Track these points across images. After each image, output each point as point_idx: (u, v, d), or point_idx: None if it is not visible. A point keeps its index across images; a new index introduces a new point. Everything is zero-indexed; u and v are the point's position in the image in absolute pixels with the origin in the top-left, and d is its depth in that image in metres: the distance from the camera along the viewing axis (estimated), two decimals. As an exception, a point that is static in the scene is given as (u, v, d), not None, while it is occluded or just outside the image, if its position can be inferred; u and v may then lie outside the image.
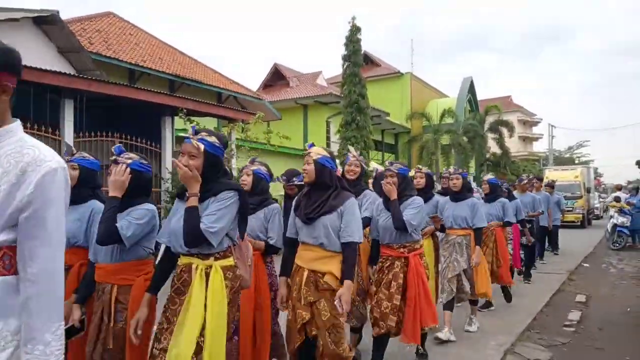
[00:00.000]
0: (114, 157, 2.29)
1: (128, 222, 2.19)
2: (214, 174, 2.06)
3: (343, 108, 18.09)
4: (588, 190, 17.79)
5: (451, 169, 4.53)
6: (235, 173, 10.19)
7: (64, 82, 7.74)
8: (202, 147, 2.01)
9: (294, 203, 2.68)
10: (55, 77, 7.63)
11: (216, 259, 2.02)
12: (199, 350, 1.89)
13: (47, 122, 7.67)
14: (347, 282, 2.46)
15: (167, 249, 2.15)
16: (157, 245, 2.40)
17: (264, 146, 11.26)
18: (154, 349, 1.99)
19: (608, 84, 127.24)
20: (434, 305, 3.23)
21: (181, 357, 1.86)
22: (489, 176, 5.64)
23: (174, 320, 1.95)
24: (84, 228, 2.41)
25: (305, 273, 2.49)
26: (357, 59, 17.81)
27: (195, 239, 1.94)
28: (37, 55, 8.75)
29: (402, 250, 3.17)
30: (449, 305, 4.10)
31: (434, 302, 4.07)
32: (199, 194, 1.99)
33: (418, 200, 3.19)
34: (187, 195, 2.00)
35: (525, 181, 7.47)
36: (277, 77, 25.24)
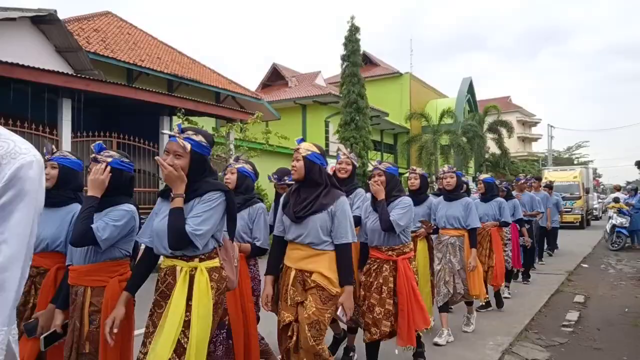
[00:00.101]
0: (93, 155, 2.20)
1: (105, 223, 2.09)
2: (200, 174, 1.99)
3: (342, 108, 18.08)
4: (587, 191, 17.80)
5: (445, 168, 4.37)
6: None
7: (62, 81, 7.73)
8: (188, 146, 1.94)
9: (281, 200, 2.60)
10: (53, 77, 7.62)
11: (201, 260, 1.96)
12: (182, 351, 1.85)
13: (45, 122, 7.66)
14: (347, 289, 2.41)
15: (148, 249, 2.07)
16: (137, 244, 2.32)
17: (262, 146, 11.26)
18: (139, 353, 1.94)
19: (607, 84, 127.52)
20: (425, 308, 3.15)
21: (157, 359, 1.82)
22: (485, 175, 5.55)
23: (159, 324, 1.90)
24: (64, 232, 2.29)
25: (293, 273, 2.43)
26: (356, 59, 17.80)
27: (180, 241, 1.87)
28: (35, 54, 8.73)
29: (390, 253, 3.06)
30: (444, 308, 4.06)
31: (431, 304, 4.05)
32: (184, 195, 1.92)
33: (406, 200, 3.10)
34: (172, 195, 1.93)
35: (523, 181, 7.39)
36: (275, 77, 25.23)
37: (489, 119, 25.75)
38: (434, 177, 17.92)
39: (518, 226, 6.05)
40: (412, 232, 4.09)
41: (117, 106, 9.23)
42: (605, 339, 4.38)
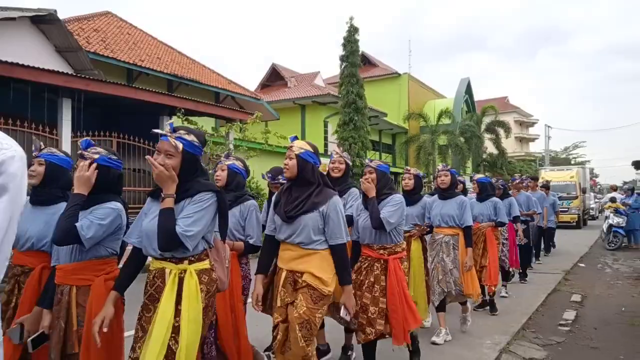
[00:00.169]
0: (79, 151, 2.15)
1: (89, 221, 2.03)
2: (191, 174, 1.95)
3: (341, 108, 18.11)
4: (584, 191, 17.86)
5: (439, 166, 4.34)
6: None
7: (62, 81, 7.74)
8: (180, 145, 1.90)
9: (273, 199, 2.56)
10: (53, 77, 7.63)
11: (190, 262, 1.91)
12: (172, 357, 1.80)
13: (45, 122, 7.67)
14: (347, 288, 2.41)
15: (136, 249, 2.02)
16: (124, 243, 2.26)
17: (261, 146, 11.28)
18: (129, 358, 1.91)
19: (604, 85, 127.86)
20: (415, 308, 3.12)
21: None
22: (479, 175, 5.51)
23: (148, 328, 1.86)
24: (50, 231, 2.19)
25: (284, 274, 2.40)
26: (354, 59, 17.84)
27: (170, 242, 1.83)
28: (35, 54, 8.74)
29: (381, 252, 3.03)
30: (441, 307, 4.04)
31: (426, 303, 4.07)
32: (175, 195, 1.89)
33: (397, 197, 3.05)
34: (162, 196, 1.89)
35: (518, 181, 7.33)
36: (275, 77, 25.24)
37: (487, 119, 25.82)
38: (431, 177, 17.97)
39: (514, 225, 5.99)
40: (406, 232, 4.06)
41: (117, 106, 9.25)
42: (602, 338, 4.42)
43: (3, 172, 0.99)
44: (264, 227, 3.01)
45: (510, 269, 6.01)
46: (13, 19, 8.51)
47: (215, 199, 1.96)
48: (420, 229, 4.06)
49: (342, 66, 17.99)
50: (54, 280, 2.15)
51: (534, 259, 8.37)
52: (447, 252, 4.07)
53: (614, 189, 14.77)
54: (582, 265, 8.91)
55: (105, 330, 1.88)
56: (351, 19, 17.92)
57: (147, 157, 1.93)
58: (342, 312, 2.39)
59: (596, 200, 23.18)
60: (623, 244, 11.22)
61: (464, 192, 5.53)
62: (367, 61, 27.63)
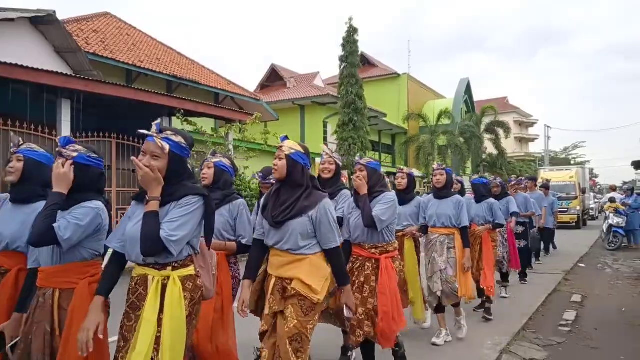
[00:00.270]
0: (57, 149, 2.05)
1: (67, 221, 1.92)
2: (177, 176, 1.88)
3: (340, 109, 18.13)
4: (583, 191, 17.84)
5: (434, 165, 4.26)
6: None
7: (61, 82, 7.73)
8: (166, 147, 1.83)
9: (261, 202, 2.46)
10: (52, 77, 7.62)
11: (174, 268, 1.84)
12: None
13: (44, 122, 7.66)
14: (346, 289, 2.38)
15: (116, 253, 1.93)
16: (107, 247, 2.17)
17: (261, 147, 11.29)
18: None
19: (604, 85, 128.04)
20: (402, 310, 3.03)
21: None
22: (475, 177, 5.42)
23: (130, 337, 1.79)
24: (26, 232, 2.08)
25: (273, 281, 2.31)
26: (354, 59, 17.86)
27: (154, 247, 1.75)
28: (34, 55, 8.73)
29: (373, 251, 2.97)
30: (439, 308, 3.99)
31: (422, 302, 4.07)
32: (160, 198, 1.81)
33: (390, 195, 2.98)
34: (147, 198, 1.81)
35: (514, 182, 7.15)
36: (274, 78, 25.27)
37: (486, 120, 25.83)
38: (431, 178, 17.95)
39: (513, 221, 5.83)
40: (400, 231, 4.03)
41: (116, 107, 9.24)
42: (603, 338, 4.42)
43: None
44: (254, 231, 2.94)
45: (509, 270, 5.88)
46: (12, 19, 8.51)
47: (202, 203, 1.89)
48: (414, 229, 4.05)
49: (342, 66, 18.01)
50: (32, 283, 2.07)
51: (534, 259, 8.34)
52: (440, 252, 3.98)
53: (613, 189, 14.77)
54: (582, 265, 8.91)
55: (101, 337, 1.82)
56: (350, 19, 17.95)
57: (132, 158, 1.85)
58: (346, 312, 2.35)
59: (596, 200, 23.18)
60: (623, 244, 11.22)
61: (462, 192, 5.49)
62: (366, 61, 27.67)
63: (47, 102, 7.94)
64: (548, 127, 34.25)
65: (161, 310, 1.77)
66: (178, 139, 1.89)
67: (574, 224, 16.35)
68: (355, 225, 3.01)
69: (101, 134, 8.38)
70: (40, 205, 2.07)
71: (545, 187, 9.72)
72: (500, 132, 25.27)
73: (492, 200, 5.05)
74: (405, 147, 25.04)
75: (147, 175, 1.79)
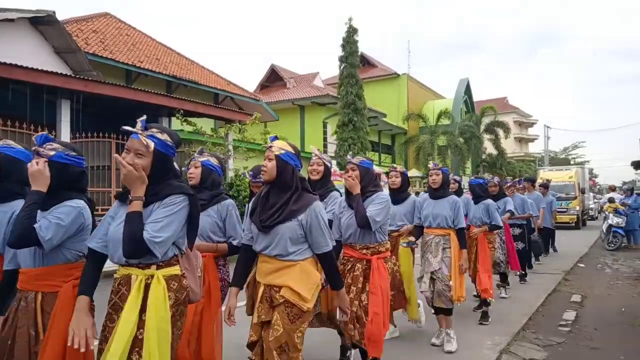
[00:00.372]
0: (34, 148, 1.98)
1: (48, 221, 1.86)
2: (162, 175, 1.81)
3: (340, 109, 18.14)
4: (583, 191, 17.82)
5: (430, 164, 4.16)
6: (231, 174, 10.24)
7: (61, 82, 7.73)
8: (151, 144, 1.76)
9: (250, 205, 2.35)
10: (52, 78, 7.62)
11: (159, 267, 1.77)
12: None
13: (44, 123, 7.66)
14: (340, 293, 2.33)
15: (94, 252, 1.84)
16: None
17: (260, 147, 11.27)
18: None
19: (603, 85, 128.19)
20: (387, 313, 2.96)
21: None
22: (472, 178, 5.42)
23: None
24: (1, 232, 2.02)
25: (261, 289, 2.21)
26: (354, 60, 17.88)
27: (137, 249, 1.68)
28: (33, 55, 8.73)
29: (364, 252, 2.89)
30: (441, 310, 3.89)
31: (416, 301, 4.05)
32: (143, 198, 1.75)
33: (383, 195, 2.91)
34: (130, 198, 1.75)
35: (510, 184, 7.08)
36: (274, 78, 25.27)
37: (486, 120, 25.84)
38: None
39: (506, 216, 5.73)
40: (395, 231, 4.01)
41: (116, 107, 9.23)
42: (603, 338, 4.41)
43: None
44: None
45: (507, 271, 5.86)
46: (12, 20, 8.51)
47: (187, 202, 1.82)
48: (409, 228, 4.01)
49: (341, 67, 18.02)
50: (10, 285, 2.00)
51: (533, 259, 8.32)
52: (434, 253, 3.90)
53: (612, 189, 14.78)
54: (582, 265, 8.90)
55: (97, 338, 1.76)
56: (350, 19, 17.98)
57: (115, 155, 1.79)
58: (338, 315, 2.31)
59: (595, 200, 23.18)
60: (623, 244, 11.22)
61: (459, 192, 5.46)
62: (366, 62, 27.68)
63: (47, 103, 7.94)
64: (548, 127, 34.29)
65: (144, 311, 1.70)
66: (164, 136, 1.82)
67: (573, 224, 16.34)
68: (346, 225, 2.93)
69: (100, 134, 8.38)
70: (18, 204, 2.01)
71: (544, 186, 9.70)
72: (500, 132, 25.28)
73: (488, 201, 4.98)
74: (405, 148, 25.04)
75: (131, 173, 1.72)
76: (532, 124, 52.62)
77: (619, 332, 4.64)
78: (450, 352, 3.72)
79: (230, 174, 10.20)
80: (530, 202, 7.13)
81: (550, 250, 9.97)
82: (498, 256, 5.46)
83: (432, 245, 3.94)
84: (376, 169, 4.02)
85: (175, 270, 1.83)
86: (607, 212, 11.65)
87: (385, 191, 4.12)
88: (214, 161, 2.80)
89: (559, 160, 44.05)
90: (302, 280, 2.15)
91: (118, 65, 11.95)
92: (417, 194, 7.88)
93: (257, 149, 10.99)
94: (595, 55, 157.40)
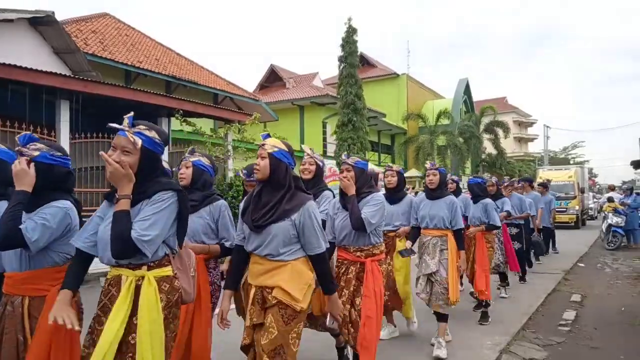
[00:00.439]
0: (18, 148, 1.95)
1: (34, 222, 1.82)
2: (150, 174, 1.77)
3: (339, 109, 18.14)
4: (582, 191, 17.81)
5: (427, 164, 4.04)
6: (231, 174, 10.24)
7: (60, 83, 7.72)
8: (139, 141, 1.72)
9: (242, 204, 2.29)
10: (51, 78, 7.61)
11: (149, 268, 1.73)
12: None
13: (43, 123, 7.65)
14: (332, 297, 2.25)
15: (80, 252, 1.80)
16: None
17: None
18: None
19: (603, 85, 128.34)
20: (380, 319, 2.89)
21: None
22: (470, 177, 5.35)
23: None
24: None
25: (253, 290, 2.15)
26: (353, 60, 17.88)
27: (125, 249, 1.64)
28: (33, 56, 8.73)
29: (358, 254, 2.83)
30: (438, 316, 3.82)
31: (411, 304, 4.00)
32: (130, 196, 1.70)
33: (378, 196, 2.85)
34: (117, 197, 1.71)
35: (507, 183, 7.01)
36: (273, 78, 25.27)
37: (486, 120, 25.86)
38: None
39: (502, 215, 5.66)
40: (392, 231, 3.99)
41: (115, 108, 9.21)
42: (602, 338, 4.41)
43: None
44: None
45: (506, 271, 5.83)
46: (11, 20, 8.50)
47: (176, 198, 1.77)
48: (406, 229, 3.95)
49: (341, 67, 18.03)
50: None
51: (534, 259, 8.31)
52: (432, 254, 3.82)
53: (611, 188, 14.80)
54: (582, 265, 8.91)
55: (77, 328, 1.69)
56: (349, 19, 17.98)
57: (101, 153, 1.72)
58: (329, 321, 2.22)
59: (595, 200, 23.19)
60: (622, 244, 11.22)
61: (456, 192, 5.43)
62: (365, 62, 27.68)
63: (46, 103, 7.93)
64: (547, 126, 34.30)
65: (134, 314, 1.66)
66: (151, 133, 1.78)
67: (572, 224, 16.34)
68: (341, 227, 2.87)
69: (100, 135, 8.37)
70: (2, 205, 1.96)
71: (543, 185, 9.69)
72: (500, 132, 25.30)
73: (487, 200, 4.92)
74: (405, 147, 25.04)
75: (117, 171, 1.67)
76: (531, 124, 52.65)
77: (618, 331, 4.65)
78: (438, 358, 3.59)
79: (230, 174, 10.19)
80: (529, 202, 7.13)
81: (551, 250, 9.96)
82: (497, 257, 5.43)
83: (429, 246, 3.87)
84: (375, 168, 4.02)
85: (166, 271, 1.78)
86: (606, 212, 11.65)
87: (382, 190, 4.12)
88: (205, 161, 2.74)
89: (558, 160, 44.07)
90: (294, 280, 2.10)
91: (117, 65, 11.94)
92: (416, 193, 7.86)
93: (256, 149, 10.94)
94: (595, 55, 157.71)
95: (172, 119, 9.76)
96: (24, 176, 1.86)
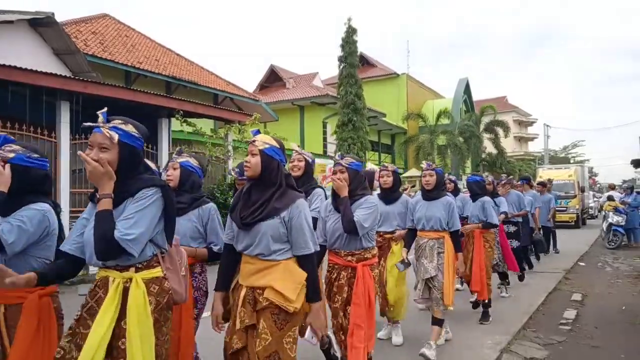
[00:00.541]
0: None
1: (10, 225, 1.78)
2: (131, 169, 1.71)
3: (339, 109, 18.15)
4: (582, 190, 17.80)
5: (423, 164, 3.92)
6: (232, 174, 10.24)
7: (60, 84, 7.73)
8: (115, 136, 1.66)
9: (232, 202, 2.22)
10: (51, 79, 7.62)
11: (137, 269, 1.67)
12: None
13: (43, 124, 7.66)
14: (314, 306, 2.06)
15: (66, 255, 1.75)
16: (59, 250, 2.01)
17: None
18: None
19: (603, 84, 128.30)
20: (374, 326, 2.80)
21: None
22: (469, 175, 5.29)
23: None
24: None
25: (243, 291, 2.05)
26: (353, 60, 17.89)
27: (109, 249, 1.58)
28: (33, 57, 8.73)
29: (349, 258, 2.73)
30: (434, 321, 3.71)
31: (405, 307, 3.93)
32: (112, 195, 1.64)
33: (372, 199, 2.77)
34: (98, 196, 1.64)
35: (504, 181, 6.95)
36: (273, 78, 25.28)
37: (486, 119, 25.85)
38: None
39: (501, 217, 5.64)
40: (388, 232, 3.92)
41: (115, 108, 9.22)
42: (603, 337, 4.41)
43: None
44: None
45: (506, 271, 5.77)
46: (11, 22, 8.51)
47: (161, 194, 1.71)
48: (402, 233, 3.88)
49: (341, 67, 18.03)
50: None
51: (534, 259, 8.29)
52: (430, 258, 3.72)
53: (612, 187, 14.77)
54: (582, 264, 8.90)
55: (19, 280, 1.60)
56: (349, 19, 17.99)
57: (79, 152, 1.67)
58: (308, 335, 2.00)
59: (595, 199, 23.17)
60: (623, 243, 11.22)
61: (455, 192, 5.40)
62: (365, 62, 27.68)
63: (46, 104, 7.94)
64: (547, 126, 34.31)
65: (123, 318, 1.60)
66: (128, 127, 1.72)
67: (572, 223, 16.33)
68: (332, 230, 2.77)
69: (100, 136, 8.37)
70: None
71: (542, 184, 9.67)
72: (500, 131, 25.29)
73: (485, 198, 4.86)
74: (405, 147, 25.06)
75: (96, 169, 1.61)
76: (531, 123, 52.64)
77: (619, 330, 4.64)
78: (424, 355, 3.45)
79: (231, 174, 10.20)
80: (528, 200, 7.09)
81: (552, 250, 9.96)
82: (496, 257, 5.39)
83: (426, 249, 3.77)
84: (375, 168, 3.99)
85: (155, 272, 1.72)
86: (606, 211, 11.65)
87: (378, 190, 4.08)
88: (193, 162, 2.65)
89: (558, 159, 44.09)
90: (286, 280, 2.00)
91: (117, 66, 11.95)
92: (414, 193, 7.80)
93: (256, 149, 10.97)
94: (595, 55, 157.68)
95: (173, 119, 9.78)
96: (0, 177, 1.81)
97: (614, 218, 11.16)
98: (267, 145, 2.09)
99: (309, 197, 3.01)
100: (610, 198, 11.95)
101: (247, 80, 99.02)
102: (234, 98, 15.57)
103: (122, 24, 15.14)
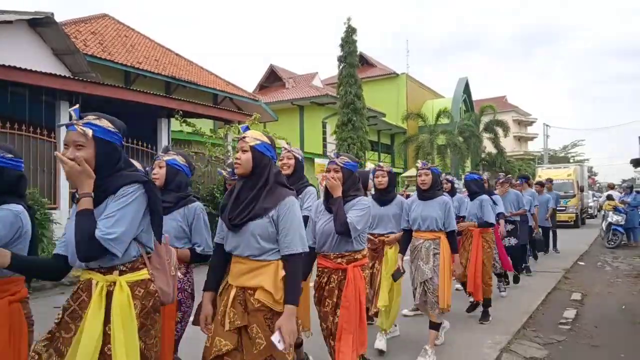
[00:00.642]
0: None
1: None
2: (111, 166, 1.65)
3: (339, 109, 18.16)
4: (582, 189, 17.80)
5: (419, 164, 3.83)
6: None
7: (59, 84, 7.73)
8: (89, 132, 1.60)
9: (222, 203, 2.15)
10: (51, 80, 7.62)
11: (121, 272, 1.61)
12: None
13: (43, 125, 7.66)
14: (288, 308, 1.89)
15: (59, 257, 1.71)
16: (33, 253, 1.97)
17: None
18: None
19: (603, 84, 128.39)
20: (366, 330, 2.71)
21: None
22: (467, 173, 5.27)
23: (66, 352, 1.54)
24: None
25: (233, 292, 1.96)
26: (352, 60, 17.90)
27: (91, 250, 1.52)
28: (32, 57, 8.73)
29: (339, 260, 2.63)
30: (430, 324, 3.66)
31: (398, 310, 3.87)
32: (92, 194, 1.58)
33: (365, 201, 2.69)
34: (77, 196, 1.59)
35: (502, 180, 6.90)
36: (273, 78, 25.29)
37: (485, 119, 25.87)
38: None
39: (502, 223, 5.69)
40: (382, 235, 3.82)
41: (115, 108, 9.24)
42: (603, 336, 4.42)
43: None
44: None
45: (502, 271, 5.77)
46: (10, 22, 8.51)
47: (143, 190, 1.65)
48: (396, 238, 3.79)
49: (340, 67, 18.05)
50: None
51: (532, 260, 8.26)
52: (426, 259, 3.63)
53: (611, 187, 14.77)
54: (582, 263, 8.91)
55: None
56: (349, 19, 18.00)
57: (56, 153, 1.62)
58: (275, 337, 1.85)
59: (594, 198, 23.18)
60: (622, 242, 11.23)
61: (452, 192, 5.39)
62: (365, 61, 27.69)
63: (46, 104, 7.95)
64: (547, 125, 34.32)
65: (108, 322, 1.55)
66: (103, 122, 1.66)
67: (572, 223, 16.33)
68: (322, 232, 2.66)
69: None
70: None
71: (540, 184, 9.66)
72: (499, 131, 25.31)
73: (483, 196, 4.80)
74: (404, 147, 25.06)
75: (73, 168, 1.55)
76: (531, 123, 52.67)
77: (619, 329, 4.65)
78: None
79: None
80: (527, 199, 7.06)
81: (552, 250, 9.96)
82: (493, 256, 5.32)
83: (422, 250, 3.68)
84: (374, 167, 3.96)
85: (140, 275, 1.66)
86: (606, 210, 11.65)
87: (373, 190, 4.03)
88: (180, 160, 2.56)
89: (558, 159, 44.09)
90: (277, 280, 1.93)
91: (117, 66, 11.95)
92: (407, 196, 7.74)
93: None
94: (594, 54, 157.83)
95: (172, 119, 9.78)
96: None
97: (613, 217, 11.17)
98: (257, 142, 2.02)
99: (300, 196, 2.94)
100: (609, 197, 11.96)
101: (247, 80, 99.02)
102: (233, 98, 15.57)
103: (122, 24, 15.13)
